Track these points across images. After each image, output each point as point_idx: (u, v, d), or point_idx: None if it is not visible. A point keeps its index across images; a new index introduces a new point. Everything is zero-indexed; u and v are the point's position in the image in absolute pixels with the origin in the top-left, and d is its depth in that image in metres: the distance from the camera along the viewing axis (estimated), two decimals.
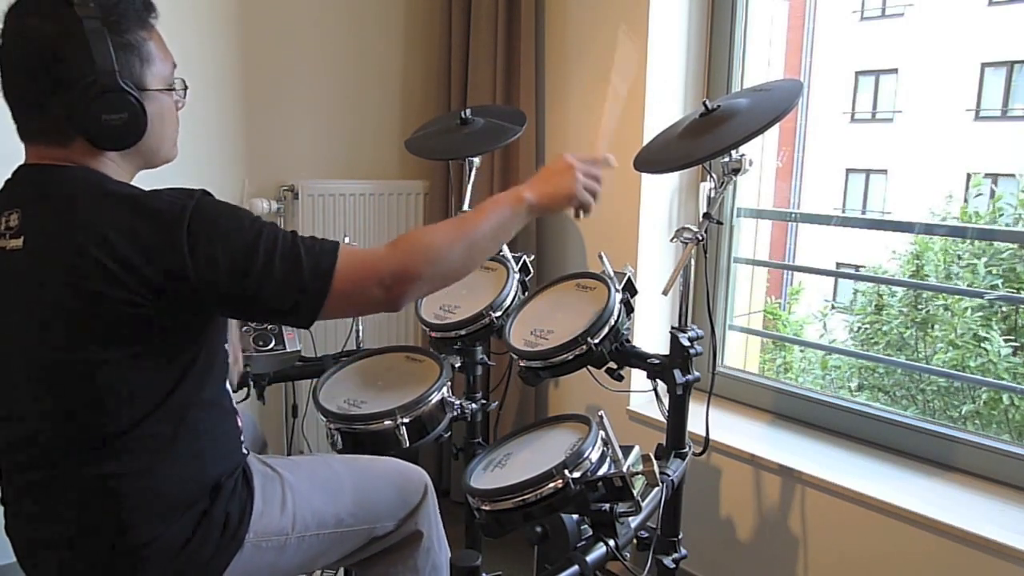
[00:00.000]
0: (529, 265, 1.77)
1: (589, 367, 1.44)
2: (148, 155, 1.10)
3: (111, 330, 0.97)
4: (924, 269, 4.93)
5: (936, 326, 4.72)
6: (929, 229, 3.96)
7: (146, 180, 1.09)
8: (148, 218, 0.96)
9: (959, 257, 4.80)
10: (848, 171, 8.23)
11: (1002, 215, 4.89)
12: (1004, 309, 4.45)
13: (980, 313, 4.45)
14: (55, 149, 1.03)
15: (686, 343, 1.45)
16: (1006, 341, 4.24)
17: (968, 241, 4.84)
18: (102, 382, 0.98)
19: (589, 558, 1.12)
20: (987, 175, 5.82)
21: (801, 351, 5.51)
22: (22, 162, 1.06)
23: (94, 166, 1.03)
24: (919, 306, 4.85)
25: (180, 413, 1.05)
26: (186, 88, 1.13)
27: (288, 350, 1.75)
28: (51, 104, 1.00)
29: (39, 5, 0.99)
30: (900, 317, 4.97)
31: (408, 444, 1.52)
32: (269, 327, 1.74)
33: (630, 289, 1.48)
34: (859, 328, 5.33)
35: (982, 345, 4.31)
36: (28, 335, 1.00)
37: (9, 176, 1.06)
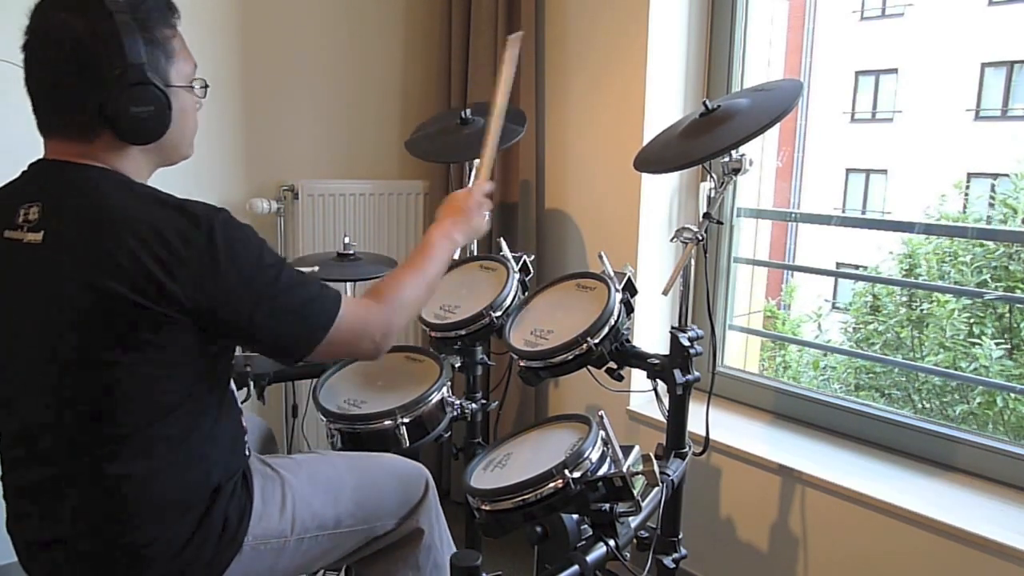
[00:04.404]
0: (529, 265, 1.77)
1: (589, 367, 1.44)
2: (168, 151, 1.11)
3: (125, 332, 0.97)
4: (916, 270, 4.94)
5: (929, 326, 4.73)
6: (929, 229, 3.98)
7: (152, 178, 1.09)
8: (174, 230, 0.97)
9: (954, 256, 4.81)
10: (848, 171, 8.23)
11: (978, 217, 4.91)
12: (998, 309, 4.46)
13: (968, 315, 4.45)
14: (78, 145, 1.03)
15: (686, 343, 1.45)
16: (997, 344, 4.24)
17: (952, 240, 4.85)
18: (111, 383, 0.98)
19: (589, 558, 1.12)
20: (972, 175, 5.84)
21: (798, 351, 5.51)
22: (39, 157, 1.07)
23: (115, 164, 1.04)
24: (912, 305, 4.86)
25: (186, 417, 1.05)
26: (206, 87, 1.14)
27: None
28: (79, 98, 1.00)
29: (87, 2, 0.99)
30: (895, 317, 4.97)
31: (408, 444, 1.52)
32: None
33: (630, 289, 1.48)
34: (855, 328, 5.34)
35: (972, 350, 4.31)
36: (41, 331, 1.00)
37: (25, 169, 1.07)
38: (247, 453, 1.22)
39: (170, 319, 0.97)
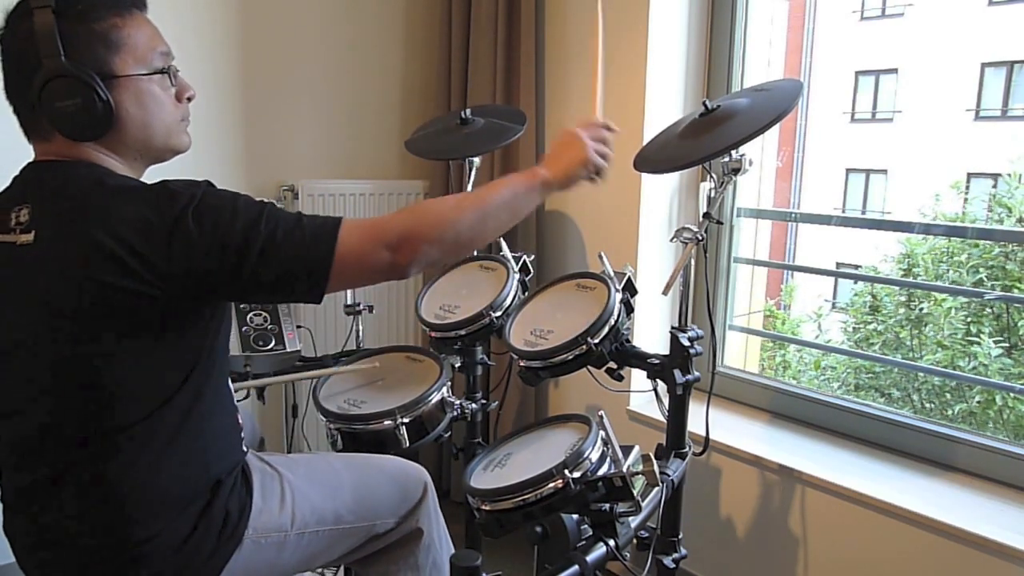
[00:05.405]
0: (529, 265, 1.77)
1: (589, 367, 1.43)
2: (140, 144, 1.08)
3: (121, 323, 0.97)
4: (914, 269, 4.93)
5: (928, 327, 4.72)
6: (929, 229, 3.97)
7: (149, 176, 1.09)
8: (157, 207, 0.97)
9: (950, 256, 4.80)
10: (848, 171, 8.22)
11: (974, 218, 4.90)
12: (995, 309, 4.45)
13: (964, 313, 4.44)
14: (46, 144, 1.05)
15: (686, 343, 1.45)
16: (996, 343, 4.23)
17: (949, 240, 4.85)
18: (109, 376, 0.99)
19: (589, 558, 1.12)
20: (972, 175, 5.83)
21: (798, 351, 5.51)
22: (30, 159, 1.08)
23: (94, 161, 1.05)
24: (911, 305, 4.86)
25: (183, 409, 1.06)
26: (165, 71, 1.08)
27: (288, 350, 1.75)
28: (24, 99, 1.03)
29: (23, 5, 1.01)
30: (895, 317, 4.97)
31: (408, 444, 1.53)
32: (269, 327, 1.74)
33: (630, 289, 1.48)
34: (855, 328, 5.34)
35: (970, 348, 4.30)
36: (38, 329, 1.00)
37: (17, 173, 1.08)
38: (244, 449, 1.22)
39: (169, 302, 0.97)
